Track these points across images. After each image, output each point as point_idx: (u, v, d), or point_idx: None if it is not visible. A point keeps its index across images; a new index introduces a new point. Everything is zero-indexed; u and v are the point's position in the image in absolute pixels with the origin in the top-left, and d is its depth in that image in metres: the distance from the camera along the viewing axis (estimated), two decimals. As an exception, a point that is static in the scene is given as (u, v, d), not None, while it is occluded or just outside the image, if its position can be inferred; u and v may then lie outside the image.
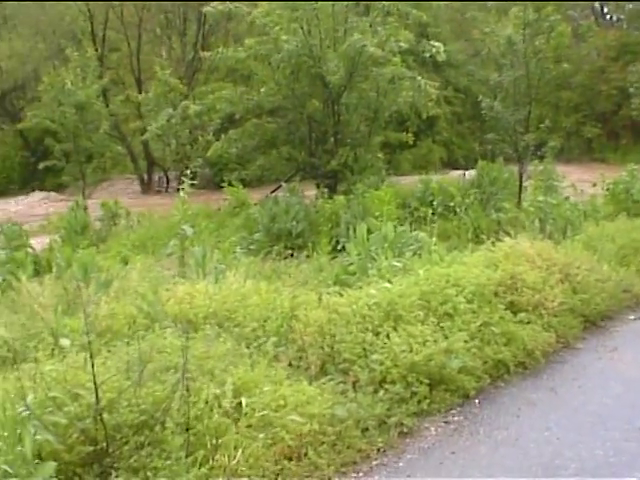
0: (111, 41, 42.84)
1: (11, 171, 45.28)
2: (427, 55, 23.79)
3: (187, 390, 6.23)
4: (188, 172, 14.09)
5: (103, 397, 5.89)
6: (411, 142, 27.11)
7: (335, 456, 6.54)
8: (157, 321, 8.56)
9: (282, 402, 6.65)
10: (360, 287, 9.74)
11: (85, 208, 18.37)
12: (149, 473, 5.68)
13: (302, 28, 21.86)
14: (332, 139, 23.39)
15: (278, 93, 23.15)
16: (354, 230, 13.23)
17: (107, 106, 36.61)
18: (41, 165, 35.46)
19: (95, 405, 5.78)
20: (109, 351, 7.26)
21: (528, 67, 24.16)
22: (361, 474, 6.48)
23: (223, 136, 24.33)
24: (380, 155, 25.21)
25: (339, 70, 21.79)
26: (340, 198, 20.09)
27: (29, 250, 14.63)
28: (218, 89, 27.97)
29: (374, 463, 6.67)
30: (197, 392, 6.36)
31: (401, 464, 6.67)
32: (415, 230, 14.30)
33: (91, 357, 5.93)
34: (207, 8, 24.88)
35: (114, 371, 6.38)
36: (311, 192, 23.11)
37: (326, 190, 22.23)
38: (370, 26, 22.97)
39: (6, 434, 5.58)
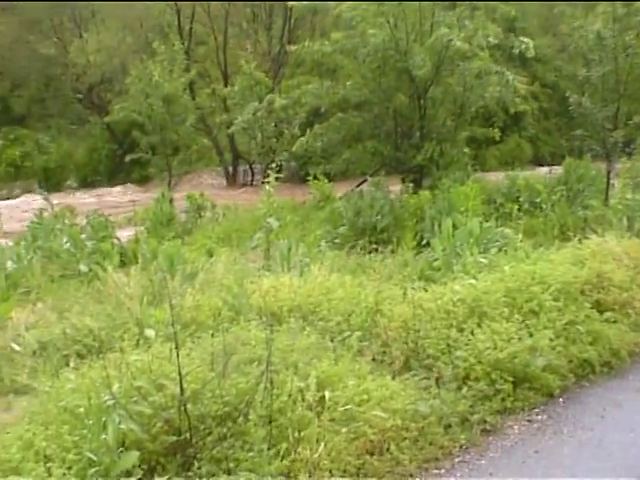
0: (198, 34, 43.19)
1: (98, 163, 45.91)
2: (516, 51, 23.47)
3: (271, 383, 6.22)
4: (273, 165, 14.13)
5: (187, 388, 5.92)
6: (497, 138, 26.76)
7: (417, 452, 6.50)
8: (242, 313, 8.61)
9: (365, 397, 6.61)
10: (445, 283, 9.67)
11: (171, 200, 18.52)
12: (231, 464, 5.70)
13: (388, 22, 21.70)
14: (418, 133, 23.20)
15: (364, 87, 23.05)
16: (439, 225, 13.14)
17: (193, 99, 37.01)
18: (128, 157, 35.95)
19: (179, 396, 5.81)
20: (194, 342, 7.32)
21: (617, 62, 23.67)
22: (443, 471, 6.42)
23: (309, 130, 24.31)
24: (466, 150, 24.91)
25: (425, 64, 21.59)
26: (425, 193, 19.94)
27: (115, 241, 14.82)
28: (304, 83, 27.98)
29: (456, 460, 6.61)
30: (281, 385, 6.36)
31: (483, 462, 6.60)
32: (501, 226, 14.15)
33: (176, 348, 5.96)
34: (293, 2, 24.92)
35: (198, 362, 6.42)
36: (396, 187, 22.97)
37: (411, 185, 22.05)
38: (457, 20, 22.76)
39: (91, 422, 5.65)
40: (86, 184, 43.78)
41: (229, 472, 5.64)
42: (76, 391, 6.26)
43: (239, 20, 44.24)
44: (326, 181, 23.26)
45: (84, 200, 34.09)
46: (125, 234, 16.57)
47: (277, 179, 13.84)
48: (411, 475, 6.28)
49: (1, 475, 5.51)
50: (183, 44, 36.59)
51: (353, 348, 7.68)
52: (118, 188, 40.41)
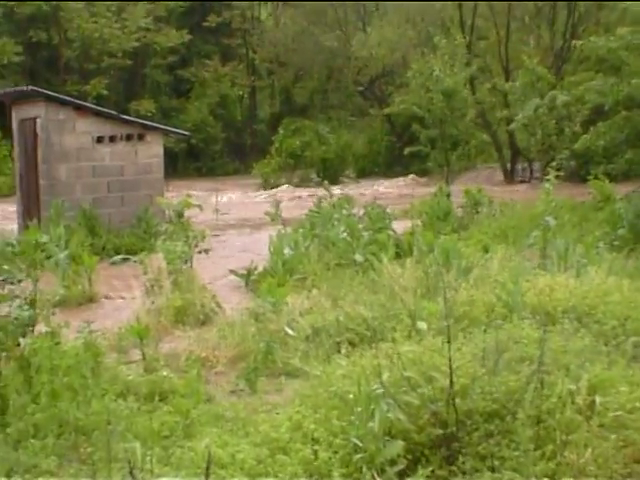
0: (479, 29, 42.93)
1: (376, 155, 46.56)
2: None
3: (541, 383, 6.09)
4: (554, 163, 13.86)
5: (457, 382, 5.89)
6: None
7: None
8: (515, 311, 8.50)
9: (638, 404, 6.33)
10: None
11: (448, 195, 18.51)
12: (496, 462, 5.61)
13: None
14: None
15: (650, 85, 22.22)
16: None
17: (474, 94, 36.85)
18: (407, 150, 36.29)
19: (449, 389, 5.78)
20: (465, 337, 7.28)
21: None
22: None
23: (591, 128, 23.71)
24: None
25: None
26: None
27: (391, 233, 14.97)
28: (587, 79, 27.30)
29: None
30: (551, 386, 6.20)
31: None
32: None
33: (448, 341, 5.94)
34: None
35: (469, 357, 6.38)
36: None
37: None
38: None
39: (359, 409, 5.72)
40: (364, 175, 44.48)
41: (493, 469, 5.56)
42: (347, 377, 6.37)
43: (521, 14, 43.61)
44: (607, 181, 22.52)
45: (361, 191, 34.67)
46: (400, 226, 16.68)
47: (557, 177, 13.58)
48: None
49: (269, 454, 5.68)
50: (464, 38, 36.46)
51: (628, 353, 7.40)
52: (395, 180, 40.80)
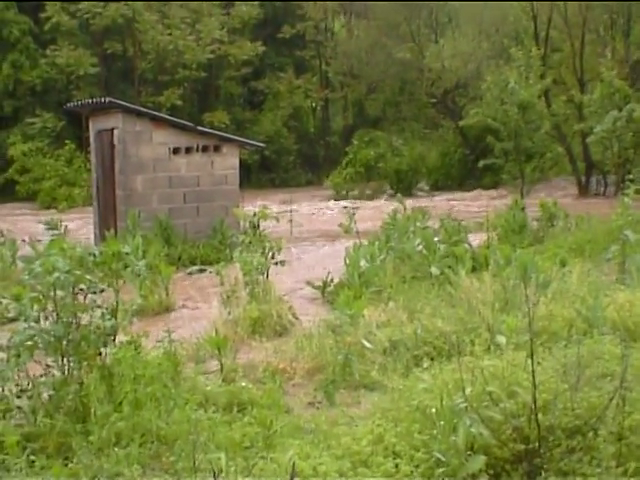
0: (554, 41, 42.58)
1: (449, 168, 46.33)
2: None
3: (623, 400, 6.01)
4: (631, 176, 13.71)
5: (539, 397, 5.84)
6: None
7: None
8: (595, 326, 8.41)
9: None
10: None
11: (523, 208, 18.38)
12: (578, 478, 5.56)
13: None
14: None
15: None
16: None
17: (549, 106, 36.58)
18: (481, 163, 36.15)
19: (531, 404, 5.74)
20: (545, 352, 7.22)
21: None
22: None
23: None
24: None
25: None
26: None
27: (467, 246, 14.90)
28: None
29: None
30: (633, 403, 6.12)
31: None
32: None
33: (531, 356, 5.90)
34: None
35: (551, 373, 6.32)
36: None
37: None
38: None
39: (442, 423, 5.71)
40: (437, 188, 44.37)
41: (574, 485, 5.52)
42: (428, 391, 6.35)
43: (596, 26, 43.20)
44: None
45: (435, 203, 34.59)
46: (475, 239, 16.61)
47: (636, 191, 13.45)
48: None
49: (350, 466, 5.69)
50: (539, 50, 36.21)
51: None
52: (469, 193, 40.62)
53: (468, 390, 5.85)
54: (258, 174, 50.65)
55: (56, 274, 7.25)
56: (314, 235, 25.17)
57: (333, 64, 54.86)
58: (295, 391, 8.66)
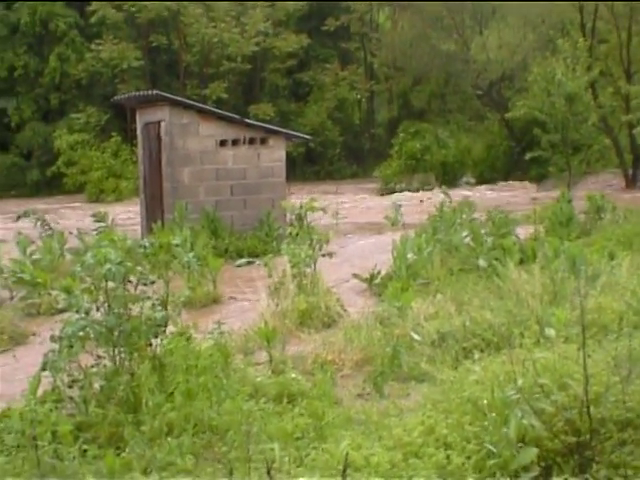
0: (600, 32, 42.17)
1: (495, 160, 46.06)
2: None
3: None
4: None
5: (590, 390, 5.83)
6: None
7: None
8: (646, 319, 8.37)
9: None
10: None
11: (570, 200, 18.26)
12: (629, 471, 5.54)
13: None
14: None
15: None
16: None
17: (595, 98, 36.27)
18: (527, 155, 35.94)
19: (583, 397, 5.73)
20: (596, 345, 7.20)
21: None
22: None
23: None
24: None
25: None
26: None
27: (514, 238, 14.84)
28: None
29: None
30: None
31: None
32: None
33: (583, 348, 5.89)
34: None
35: (602, 365, 6.30)
36: None
37: None
38: None
39: (493, 415, 5.72)
40: (482, 180, 44.14)
41: (626, 478, 5.50)
42: (479, 383, 6.36)
43: (644, 17, 42.77)
44: None
45: (480, 195, 34.47)
46: (521, 232, 16.54)
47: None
48: None
49: (402, 457, 5.72)
50: (586, 41, 35.90)
51: None
52: (514, 185, 40.40)
53: (519, 382, 5.86)
54: (303, 166, 50.71)
55: (108, 265, 7.33)
56: (359, 227, 25.18)
57: (378, 56, 54.80)
58: (344, 382, 8.70)
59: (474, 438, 5.76)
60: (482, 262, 13.22)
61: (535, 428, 5.68)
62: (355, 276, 14.87)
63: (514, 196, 35.58)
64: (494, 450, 5.54)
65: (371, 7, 57.11)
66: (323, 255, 13.32)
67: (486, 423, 5.75)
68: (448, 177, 42.08)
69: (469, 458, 5.61)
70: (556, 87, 30.44)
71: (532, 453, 5.51)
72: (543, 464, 5.63)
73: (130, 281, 7.77)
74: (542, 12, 44.44)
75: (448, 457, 5.61)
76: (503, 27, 46.03)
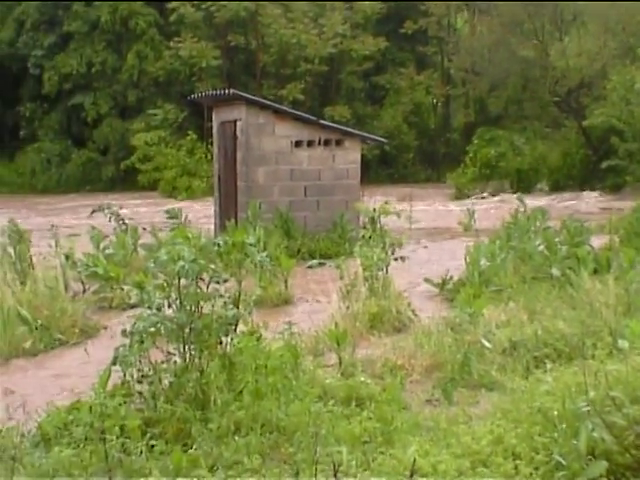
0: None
1: (571, 168, 45.41)
2: None
3: None
4: None
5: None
6: None
7: None
8: None
9: None
10: None
11: (643, 209, 17.99)
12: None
13: None
14: None
15: None
16: None
17: (675, 107, 35.73)
18: (604, 164, 35.51)
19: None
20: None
21: None
22: None
23: None
24: None
25: None
26: None
27: (588, 247, 14.67)
28: None
29: None
30: None
31: None
32: None
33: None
34: None
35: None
36: None
37: None
38: None
39: (564, 426, 5.66)
40: (557, 188, 43.60)
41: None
42: (550, 394, 6.31)
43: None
44: None
45: (555, 203, 34.13)
46: (596, 241, 16.34)
47: None
48: None
49: (470, 466, 5.70)
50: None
51: None
52: (590, 194, 39.87)
53: (591, 394, 5.79)
54: (377, 169, 50.67)
55: (181, 263, 7.38)
56: (433, 232, 25.10)
57: (455, 60, 54.44)
58: (413, 388, 8.67)
59: (543, 449, 5.72)
60: (555, 271, 13.09)
61: (605, 441, 5.62)
62: (427, 281, 14.83)
63: (589, 205, 35.15)
64: (563, 462, 5.50)
65: (449, 11, 56.86)
66: (395, 259, 13.28)
67: (556, 434, 5.70)
68: (523, 184, 41.64)
69: (537, 469, 5.58)
70: (635, 95, 30.07)
71: (602, 467, 5.45)
72: (612, 478, 5.56)
73: (202, 279, 7.81)
74: (623, 19, 43.81)
75: (516, 467, 5.59)
76: (583, 34, 45.53)
